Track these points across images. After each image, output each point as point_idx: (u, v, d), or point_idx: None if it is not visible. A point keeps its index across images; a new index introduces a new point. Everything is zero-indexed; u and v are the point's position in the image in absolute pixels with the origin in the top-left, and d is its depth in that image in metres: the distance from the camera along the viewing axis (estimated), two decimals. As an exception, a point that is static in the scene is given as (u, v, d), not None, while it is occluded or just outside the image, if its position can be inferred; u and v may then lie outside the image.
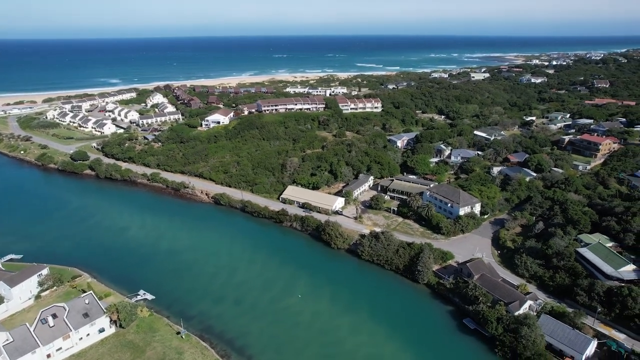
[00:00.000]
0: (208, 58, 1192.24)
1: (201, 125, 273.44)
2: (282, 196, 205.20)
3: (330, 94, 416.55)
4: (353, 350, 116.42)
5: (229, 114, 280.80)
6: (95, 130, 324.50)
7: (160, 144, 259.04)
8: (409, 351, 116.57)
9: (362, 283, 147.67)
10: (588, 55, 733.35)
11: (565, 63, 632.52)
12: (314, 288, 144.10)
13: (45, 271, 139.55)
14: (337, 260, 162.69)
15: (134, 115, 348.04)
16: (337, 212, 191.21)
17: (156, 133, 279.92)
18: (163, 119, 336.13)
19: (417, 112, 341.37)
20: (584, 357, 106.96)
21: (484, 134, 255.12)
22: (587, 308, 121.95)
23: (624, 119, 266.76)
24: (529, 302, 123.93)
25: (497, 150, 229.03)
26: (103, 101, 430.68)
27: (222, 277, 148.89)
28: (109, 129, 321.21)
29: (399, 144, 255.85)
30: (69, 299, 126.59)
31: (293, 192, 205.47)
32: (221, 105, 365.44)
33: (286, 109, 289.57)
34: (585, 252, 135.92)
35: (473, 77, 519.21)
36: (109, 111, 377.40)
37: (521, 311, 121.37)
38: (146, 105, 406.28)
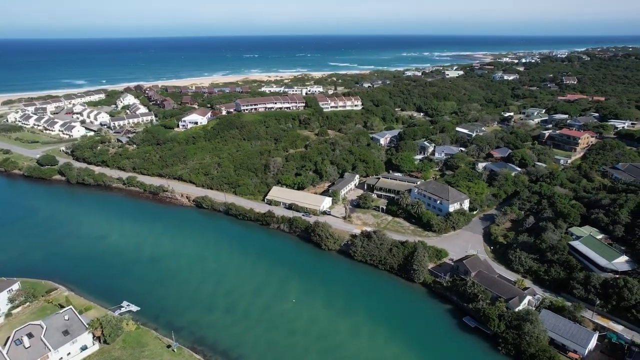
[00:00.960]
0: (177, 58, 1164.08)
1: (178, 126, 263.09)
2: (267, 197, 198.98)
3: (307, 93, 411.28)
4: (354, 356, 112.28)
5: (206, 114, 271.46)
6: (63, 134, 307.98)
7: (135, 146, 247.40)
8: (412, 353, 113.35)
9: (357, 284, 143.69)
10: (554, 54, 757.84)
11: (533, 61, 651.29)
12: (308, 292, 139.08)
13: (16, 286, 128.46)
14: (329, 262, 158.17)
15: (104, 117, 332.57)
16: (325, 212, 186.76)
17: (130, 135, 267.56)
18: (136, 120, 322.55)
19: (396, 109, 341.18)
20: (587, 351, 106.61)
21: (465, 130, 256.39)
22: (584, 301, 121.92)
23: (597, 114, 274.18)
24: (528, 298, 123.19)
25: (479, 146, 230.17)
26: (70, 103, 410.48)
27: (210, 284, 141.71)
28: (78, 131, 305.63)
29: (382, 141, 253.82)
30: (46, 315, 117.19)
31: (278, 193, 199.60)
32: (196, 106, 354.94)
33: (266, 108, 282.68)
34: (578, 245, 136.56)
35: (447, 74, 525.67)
36: (77, 113, 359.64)
37: (521, 307, 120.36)
38: (117, 106, 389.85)
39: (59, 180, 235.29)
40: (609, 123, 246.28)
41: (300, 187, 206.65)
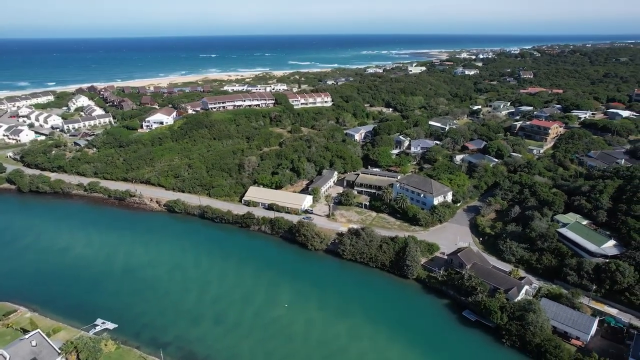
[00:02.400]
0: (130, 59, 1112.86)
1: (142, 126, 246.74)
2: (244, 198, 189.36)
3: (271, 91, 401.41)
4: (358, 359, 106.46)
5: (172, 114, 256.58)
6: (9, 138, 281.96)
7: (95, 149, 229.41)
8: (416, 351, 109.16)
9: (349, 284, 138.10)
10: (508, 50, 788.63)
11: (490, 57, 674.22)
12: (299, 295, 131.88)
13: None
14: (317, 263, 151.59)
15: (56, 120, 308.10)
16: (307, 211, 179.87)
17: (89, 138, 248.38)
18: (92, 122, 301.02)
19: (366, 105, 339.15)
20: (589, 337, 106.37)
21: (438, 124, 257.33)
22: (578, 287, 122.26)
23: (559, 105, 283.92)
24: (525, 287, 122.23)
25: (454, 139, 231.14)
26: (13, 105, 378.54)
27: (194, 293, 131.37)
28: (27, 136, 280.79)
29: (357, 137, 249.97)
30: (7, 342, 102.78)
31: (256, 193, 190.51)
32: (156, 106, 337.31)
33: (234, 106, 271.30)
34: (566, 232, 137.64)
35: (411, 70, 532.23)
36: (24, 116, 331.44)
37: (520, 297, 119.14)
38: (69, 108, 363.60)
39: (8, 189, 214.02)
40: (573, 113, 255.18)
41: (278, 186, 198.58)
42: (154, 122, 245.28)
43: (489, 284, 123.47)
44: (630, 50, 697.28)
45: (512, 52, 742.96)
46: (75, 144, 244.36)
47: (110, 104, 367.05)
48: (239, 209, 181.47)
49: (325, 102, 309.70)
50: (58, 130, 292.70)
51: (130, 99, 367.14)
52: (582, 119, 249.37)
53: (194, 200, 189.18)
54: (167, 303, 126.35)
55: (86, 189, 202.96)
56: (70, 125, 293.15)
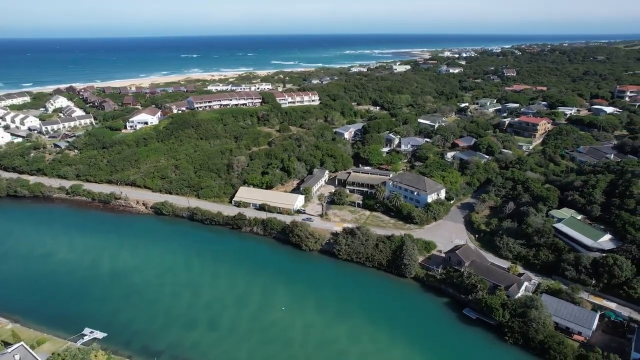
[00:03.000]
0: (109, 60, 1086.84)
1: (125, 127, 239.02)
2: (234, 199, 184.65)
3: (257, 90, 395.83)
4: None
5: (156, 113, 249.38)
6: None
7: (77, 151, 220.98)
8: (418, 352, 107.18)
9: (346, 285, 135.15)
10: (490, 49, 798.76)
11: (473, 55, 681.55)
12: (296, 297, 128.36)
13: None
14: (312, 263, 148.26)
15: (33, 122, 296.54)
16: (299, 211, 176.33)
17: (70, 139, 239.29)
18: (72, 123, 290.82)
19: (353, 104, 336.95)
20: (591, 332, 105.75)
21: (427, 122, 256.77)
22: (576, 282, 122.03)
23: (544, 102, 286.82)
24: (525, 284, 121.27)
25: (444, 136, 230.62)
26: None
27: (185, 298, 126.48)
28: (2, 138, 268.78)
29: (347, 135, 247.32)
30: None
31: (246, 194, 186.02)
32: (139, 106, 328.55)
33: (221, 105, 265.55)
34: (562, 227, 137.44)
35: (395, 69, 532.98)
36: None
37: (520, 294, 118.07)
38: (46, 109, 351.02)
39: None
40: (559, 110, 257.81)
41: (269, 186, 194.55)
42: (138, 123, 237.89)
43: (488, 281, 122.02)
44: (606, 49, 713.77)
45: (493, 50, 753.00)
46: (55, 145, 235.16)
47: (91, 104, 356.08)
48: (229, 210, 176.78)
49: (313, 100, 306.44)
50: (36, 132, 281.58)
51: (112, 99, 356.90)
52: (568, 115, 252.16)
53: (182, 201, 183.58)
54: (158, 309, 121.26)
55: (68, 192, 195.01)
56: (49, 127, 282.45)
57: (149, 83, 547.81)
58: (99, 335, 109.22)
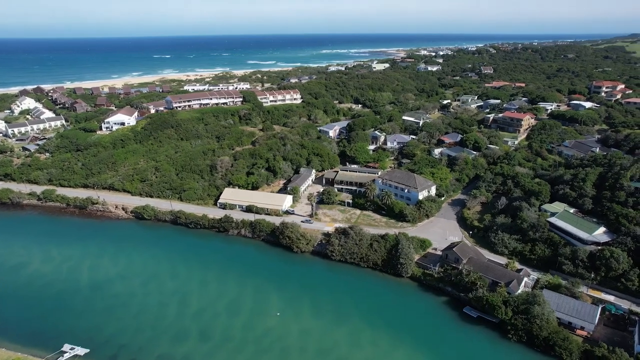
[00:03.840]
0: (78, 60, 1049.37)
1: (100, 128, 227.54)
2: (219, 201, 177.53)
3: (238, 89, 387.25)
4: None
5: (133, 114, 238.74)
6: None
7: (48, 154, 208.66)
8: (421, 353, 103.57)
9: (342, 287, 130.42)
10: (466, 47, 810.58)
11: (450, 53, 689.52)
12: (290, 302, 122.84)
13: None
14: (304, 266, 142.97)
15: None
16: (288, 212, 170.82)
17: (39, 142, 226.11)
18: (42, 126, 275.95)
19: (334, 102, 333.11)
20: (594, 327, 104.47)
21: (412, 119, 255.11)
22: (573, 276, 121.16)
23: (525, 98, 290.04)
24: (525, 280, 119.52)
25: (430, 133, 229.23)
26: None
27: (173, 308, 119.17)
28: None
29: (331, 134, 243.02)
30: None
31: (232, 195, 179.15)
32: (113, 107, 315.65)
33: (201, 104, 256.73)
34: (556, 221, 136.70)
35: (374, 67, 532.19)
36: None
37: (520, 290, 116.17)
38: (12, 112, 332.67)
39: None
40: (540, 105, 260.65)
41: (254, 187, 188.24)
42: (115, 123, 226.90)
43: (487, 278, 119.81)
44: (575, 48, 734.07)
45: (469, 49, 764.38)
46: (24, 149, 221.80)
47: (61, 106, 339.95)
48: (214, 213, 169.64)
49: (295, 99, 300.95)
50: (1, 135, 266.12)
51: (84, 100, 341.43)
52: (549, 111, 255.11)
53: (164, 205, 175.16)
54: (145, 320, 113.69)
55: (40, 198, 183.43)
56: (16, 129, 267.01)
57: (122, 84, 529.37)
58: (81, 351, 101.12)
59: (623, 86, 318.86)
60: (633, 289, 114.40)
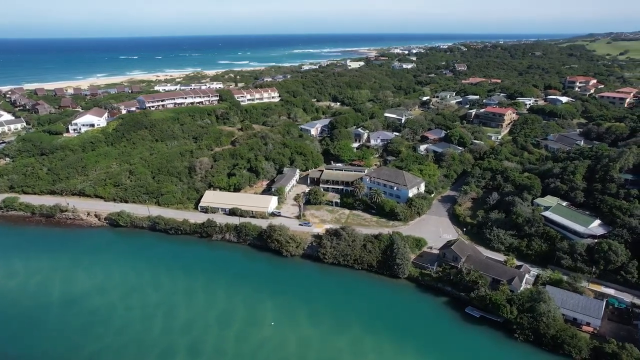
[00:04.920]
0: (38, 61, 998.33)
1: (67, 130, 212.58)
2: (200, 204, 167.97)
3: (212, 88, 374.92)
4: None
5: (103, 115, 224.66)
6: None
7: (8, 159, 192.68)
8: (426, 357, 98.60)
9: (337, 291, 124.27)
10: (437, 45, 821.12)
11: (423, 52, 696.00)
12: (284, 310, 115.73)
13: None
14: (295, 270, 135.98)
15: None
16: (274, 214, 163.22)
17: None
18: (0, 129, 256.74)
19: (313, 100, 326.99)
20: (600, 322, 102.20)
21: (394, 115, 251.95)
22: (572, 270, 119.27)
23: (504, 93, 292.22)
24: (526, 276, 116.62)
25: (413, 129, 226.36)
26: None
27: (158, 322, 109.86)
28: None
29: (313, 132, 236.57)
30: None
31: (214, 198, 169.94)
32: (79, 109, 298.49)
33: (175, 104, 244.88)
34: (550, 215, 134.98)
35: (350, 66, 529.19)
36: None
37: (523, 287, 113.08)
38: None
39: None
40: (519, 100, 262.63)
41: (237, 189, 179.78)
42: (83, 125, 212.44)
43: (488, 277, 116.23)
44: (541, 46, 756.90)
45: (441, 47, 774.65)
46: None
47: (21, 108, 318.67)
48: (196, 217, 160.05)
49: (273, 97, 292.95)
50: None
51: (46, 102, 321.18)
52: (528, 105, 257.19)
53: (141, 210, 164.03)
54: (128, 336, 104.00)
55: (0, 206, 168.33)
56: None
57: (87, 85, 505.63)
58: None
59: (595, 81, 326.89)
60: (633, 282, 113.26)
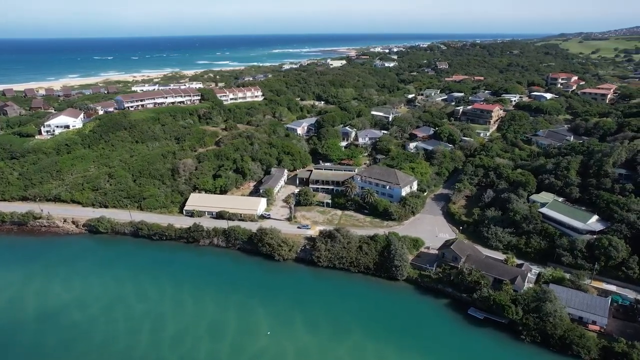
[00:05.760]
0: (4, 61, 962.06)
1: (40, 132, 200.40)
2: (185, 208, 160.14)
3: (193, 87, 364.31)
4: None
5: (79, 115, 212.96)
6: None
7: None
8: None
9: (334, 296, 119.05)
10: (417, 44, 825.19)
11: (403, 50, 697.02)
12: (280, 317, 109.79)
13: None
14: (289, 275, 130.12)
15: None
16: (263, 216, 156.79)
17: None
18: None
19: (296, 99, 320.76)
20: (607, 320, 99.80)
21: (381, 113, 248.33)
22: (573, 267, 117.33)
23: (488, 90, 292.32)
24: (528, 275, 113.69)
25: (401, 127, 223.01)
26: None
27: (145, 335, 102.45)
28: None
29: (299, 131, 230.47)
30: None
31: (199, 201, 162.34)
32: (52, 110, 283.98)
33: (155, 104, 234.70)
34: (547, 211, 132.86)
35: (332, 64, 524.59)
36: None
37: (526, 287, 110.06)
38: None
39: None
40: (505, 97, 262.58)
41: (223, 191, 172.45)
42: (57, 126, 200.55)
43: (490, 276, 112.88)
44: (518, 45, 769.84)
45: (421, 46, 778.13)
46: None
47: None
48: (181, 221, 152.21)
49: (256, 96, 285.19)
50: None
51: (16, 103, 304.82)
52: (514, 102, 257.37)
53: (122, 215, 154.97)
54: (113, 352, 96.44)
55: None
56: None
57: (60, 86, 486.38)
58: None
59: (576, 78, 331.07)
60: (634, 277, 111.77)
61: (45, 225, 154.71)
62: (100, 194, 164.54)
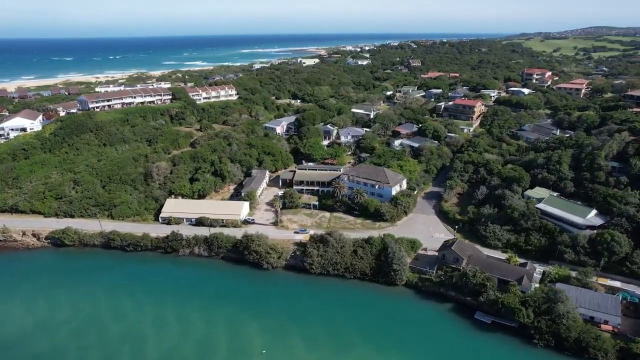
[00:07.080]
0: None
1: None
2: (161, 215, 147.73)
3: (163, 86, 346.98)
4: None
5: (37, 117, 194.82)
6: None
7: None
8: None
9: (331, 306, 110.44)
10: (388, 43, 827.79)
11: (375, 48, 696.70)
12: (275, 333, 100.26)
13: None
14: (280, 285, 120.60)
15: None
16: (247, 221, 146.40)
17: None
18: None
19: (272, 97, 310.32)
20: (620, 320, 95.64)
21: (361, 111, 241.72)
22: (575, 264, 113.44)
23: (466, 87, 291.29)
24: (534, 275, 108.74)
25: (384, 124, 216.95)
26: None
27: (124, 358, 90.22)
28: None
29: (279, 130, 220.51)
30: None
31: (177, 207, 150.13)
32: (5, 112, 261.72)
33: (123, 104, 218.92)
34: (545, 207, 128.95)
35: (304, 63, 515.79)
36: None
37: (533, 287, 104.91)
38: None
39: None
40: (484, 93, 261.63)
41: (201, 195, 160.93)
42: (12, 129, 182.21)
43: (495, 277, 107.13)
44: (485, 43, 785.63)
45: (391, 44, 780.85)
46: None
47: None
48: (157, 230, 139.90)
49: (230, 95, 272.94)
50: None
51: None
52: (494, 98, 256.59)
53: (90, 225, 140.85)
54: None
55: None
56: None
57: (14, 87, 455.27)
58: None
59: (551, 73, 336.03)
60: (639, 272, 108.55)
61: (0, 240, 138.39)
62: (64, 203, 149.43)
